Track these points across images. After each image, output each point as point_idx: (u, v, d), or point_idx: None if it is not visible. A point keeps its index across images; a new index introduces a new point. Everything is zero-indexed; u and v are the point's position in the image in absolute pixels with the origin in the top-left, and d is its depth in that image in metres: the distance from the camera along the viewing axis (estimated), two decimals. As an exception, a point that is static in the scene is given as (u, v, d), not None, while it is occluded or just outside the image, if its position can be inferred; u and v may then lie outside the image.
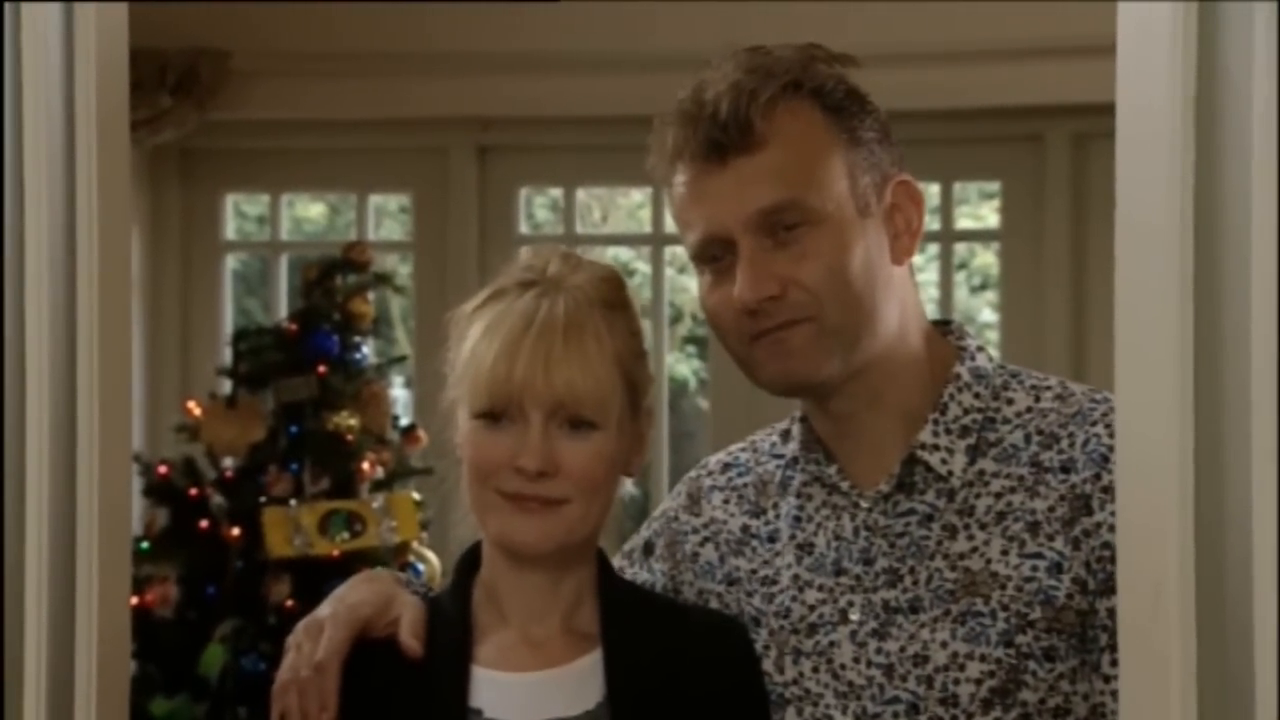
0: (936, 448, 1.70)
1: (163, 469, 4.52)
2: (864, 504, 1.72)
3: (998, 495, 1.68)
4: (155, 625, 4.34)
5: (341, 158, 5.42)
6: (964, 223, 6.04)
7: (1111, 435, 1.59)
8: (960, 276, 6.91)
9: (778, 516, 1.78)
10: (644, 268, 5.53)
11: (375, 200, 5.73)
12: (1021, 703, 1.62)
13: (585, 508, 1.64)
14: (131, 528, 2.71)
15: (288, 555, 4.34)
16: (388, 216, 6.51)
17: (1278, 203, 1.25)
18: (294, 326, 4.61)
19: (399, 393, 5.32)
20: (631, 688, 1.64)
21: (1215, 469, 1.32)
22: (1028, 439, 1.69)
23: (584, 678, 1.65)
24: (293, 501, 4.40)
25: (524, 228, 5.57)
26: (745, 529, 1.80)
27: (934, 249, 5.36)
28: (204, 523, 4.44)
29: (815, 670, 1.70)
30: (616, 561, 1.84)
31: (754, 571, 1.77)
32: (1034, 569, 1.64)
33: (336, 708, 1.63)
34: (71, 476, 1.66)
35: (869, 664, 1.67)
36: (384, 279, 4.78)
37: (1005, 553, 1.65)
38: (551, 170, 5.48)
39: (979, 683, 1.63)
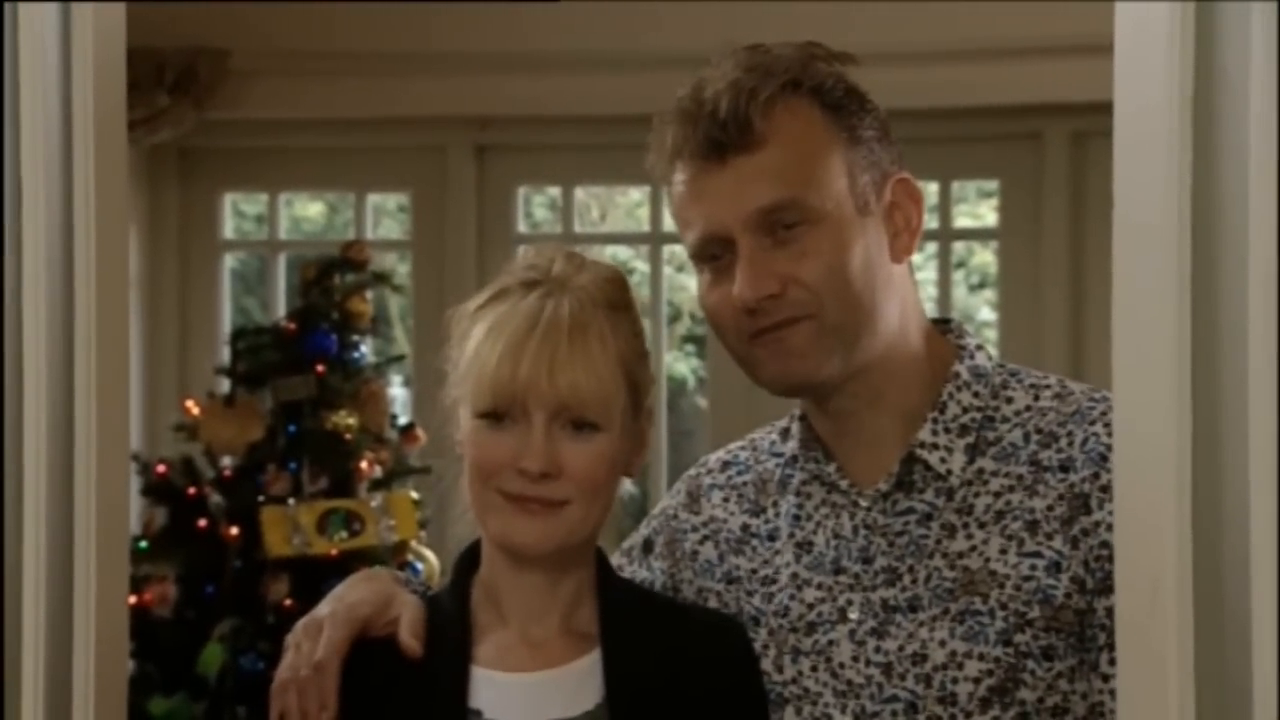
0: (935, 446, 1.70)
1: (161, 468, 4.53)
2: (863, 502, 1.72)
3: (996, 494, 1.68)
4: (154, 624, 4.34)
5: (340, 157, 5.42)
6: (962, 221, 6.04)
7: (1110, 434, 1.59)
8: (959, 275, 6.91)
9: (777, 515, 1.78)
10: (642, 266, 5.53)
11: (373, 199, 5.73)
12: (1020, 701, 1.62)
13: (586, 509, 1.64)
14: (129, 527, 2.71)
15: (286, 554, 4.34)
16: (386, 215, 6.51)
17: (1275, 202, 1.26)
18: (292, 325, 4.61)
19: (397, 392, 5.32)
20: (630, 688, 1.64)
21: (1213, 466, 1.32)
22: (1027, 438, 1.69)
23: (583, 678, 1.65)
24: (291, 500, 4.40)
25: (522, 226, 5.57)
26: (745, 528, 1.80)
27: (932, 248, 5.36)
28: (202, 522, 4.44)
29: (814, 669, 1.70)
30: (616, 559, 1.84)
31: (754, 570, 1.77)
32: (1032, 568, 1.64)
33: (335, 707, 1.63)
34: (69, 476, 1.66)
35: (868, 663, 1.67)
36: (382, 278, 4.78)
37: (1004, 551, 1.65)
38: (550, 169, 5.48)
39: (977, 681, 1.63)
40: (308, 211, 7.52)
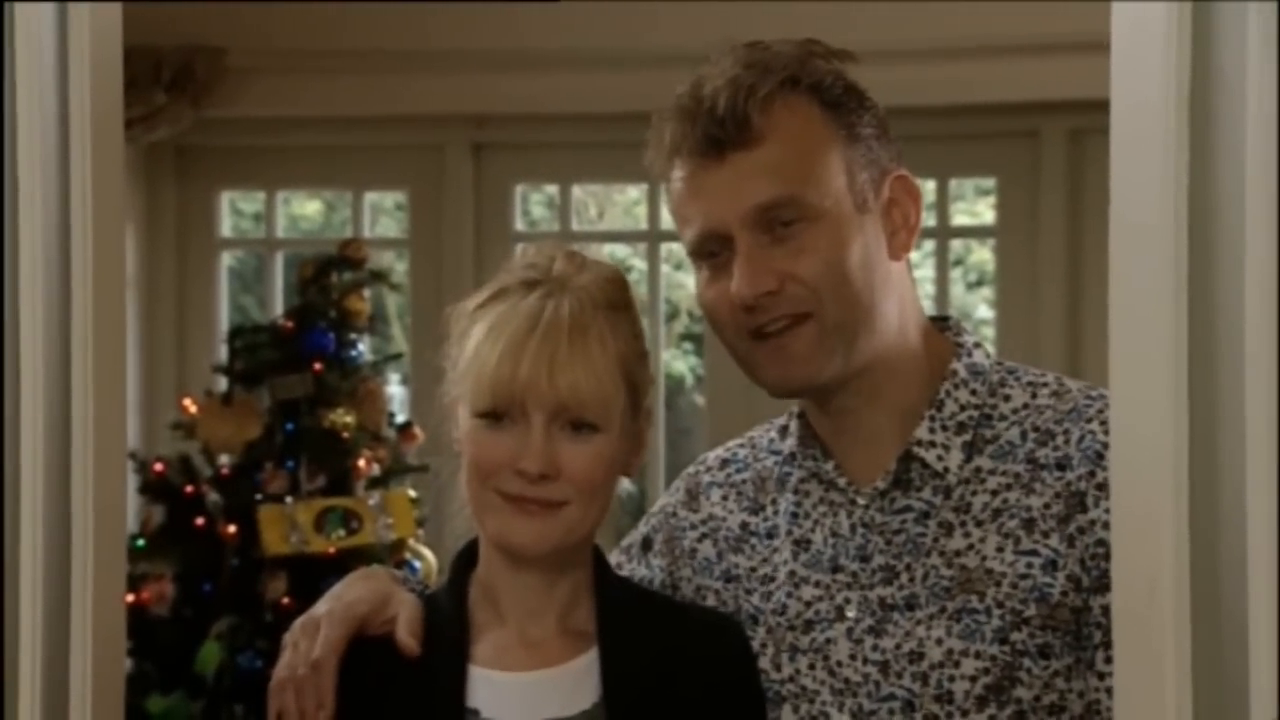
0: (933, 444, 1.70)
1: (158, 466, 4.52)
2: (861, 501, 1.72)
3: (994, 492, 1.68)
4: (151, 623, 4.34)
5: (337, 155, 5.41)
6: (960, 219, 6.04)
7: (1107, 432, 1.59)
8: (956, 273, 6.91)
9: (775, 513, 1.78)
10: (640, 264, 5.53)
11: (371, 197, 5.72)
12: (1016, 700, 1.62)
13: (584, 510, 1.64)
14: (127, 525, 2.71)
15: (284, 553, 4.33)
16: (383, 214, 6.50)
17: (1272, 200, 1.26)
18: (290, 324, 4.61)
19: (395, 390, 5.31)
20: (628, 687, 1.64)
21: (1210, 464, 1.32)
22: (1024, 435, 1.69)
23: (580, 677, 1.65)
24: (289, 499, 4.40)
25: (520, 224, 5.57)
26: (744, 526, 1.80)
27: (930, 245, 5.36)
28: (200, 520, 4.44)
29: (811, 667, 1.70)
30: (614, 557, 1.84)
31: (752, 569, 1.77)
32: (1029, 566, 1.64)
33: (333, 706, 1.63)
34: (66, 474, 1.66)
35: (865, 661, 1.67)
36: (380, 276, 4.77)
37: (1001, 550, 1.65)
38: (547, 167, 5.48)
39: (974, 680, 1.63)
40: (305, 210, 7.52)
